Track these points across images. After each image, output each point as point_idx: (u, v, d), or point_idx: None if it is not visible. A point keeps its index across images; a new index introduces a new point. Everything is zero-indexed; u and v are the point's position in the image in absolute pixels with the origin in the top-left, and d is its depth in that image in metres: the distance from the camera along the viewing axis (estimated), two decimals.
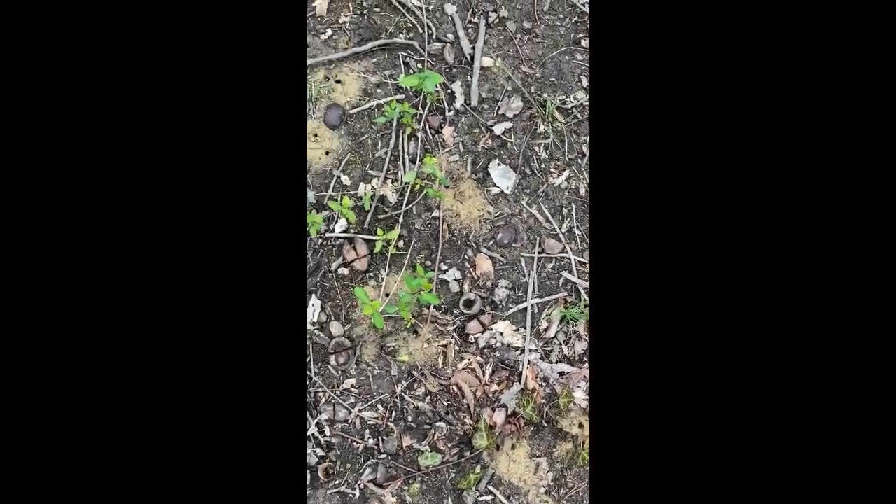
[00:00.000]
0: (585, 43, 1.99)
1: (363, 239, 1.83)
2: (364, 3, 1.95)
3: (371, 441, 1.75)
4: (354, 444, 1.75)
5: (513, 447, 1.77)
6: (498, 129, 1.93)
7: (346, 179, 1.86)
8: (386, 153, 1.88)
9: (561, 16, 2.01)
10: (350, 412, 1.76)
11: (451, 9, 1.97)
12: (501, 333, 1.83)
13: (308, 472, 1.72)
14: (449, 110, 1.92)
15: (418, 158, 1.88)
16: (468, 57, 1.95)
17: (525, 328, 1.83)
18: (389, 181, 1.88)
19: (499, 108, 1.94)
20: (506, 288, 1.85)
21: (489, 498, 1.74)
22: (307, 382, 1.77)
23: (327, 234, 1.83)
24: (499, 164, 1.91)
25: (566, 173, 1.92)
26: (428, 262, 1.84)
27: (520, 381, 1.80)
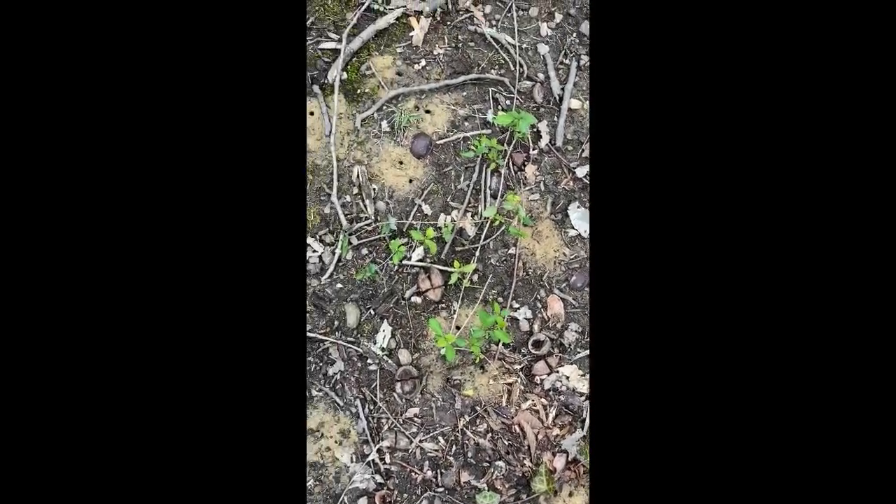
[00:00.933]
0: None
1: (439, 270, 1.84)
2: (459, 37, 1.98)
3: (430, 473, 1.75)
4: (413, 474, 1.75)
5: (570, 494, 1.75)
6: (580, 172, 1.93)
7: (427, 209, 1.88)
8: (468, 186, 1.89)
9: None
10: (411, 441, 1.76)
11: (543, 49, 1.99)
12: (567, 377, 1.82)
13: (366, 498, 1.72)
14: (533, 149, 1.93)
15: (500, 194, 1.89)
16: (557, 97, 1.96)
17: None
18: (469, 214, 1.89)
19: (582, 150, 1.94)
20: (575, 332, 1.84)
21: None
22: (372, 408, 1.77)
23: (403, 262, 1.84)
24: (578, 207, 1.91)
25: None
26: (500, 299, 1.84)
27: (582, 427, 1.79)
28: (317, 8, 1.94)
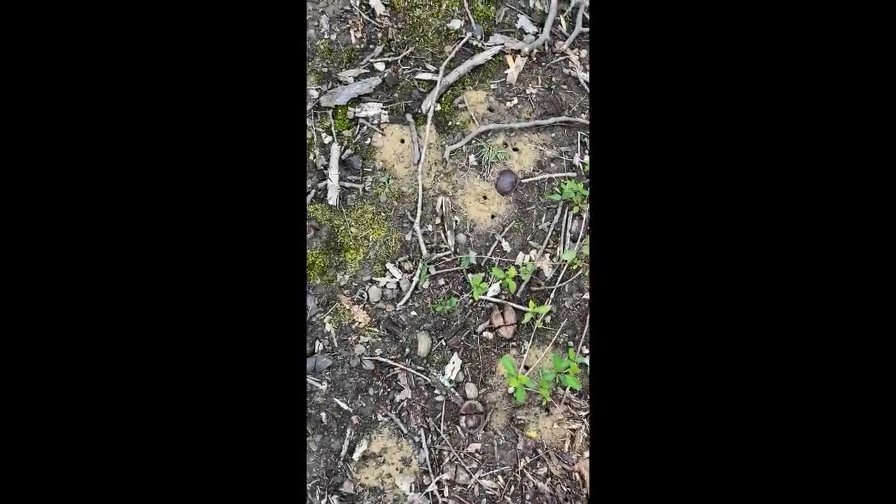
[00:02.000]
0: None
1: (514, 307, 1.84)
2: (553, 79, 2.00)
3: None
4: None
5: None
6: None
7: (506, 245, 1.89)
8: (549, 227, 1.90)
9: None
10: (471, 477, 1.76)
11: None
12: None
13: None
14: None
15: (580, 238, 1.89)
16: None
17: None
18: (548, 255, 1.89)
19: None
20: None
21: None
22: (435, 439, 1.78)
23: (479, 297, 1.85)
24: None
25: None
26: (570, 343, 1.84)
27: None
28: (417, 39, 1.98)
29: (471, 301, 1.86)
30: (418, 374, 1.81)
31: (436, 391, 1.80)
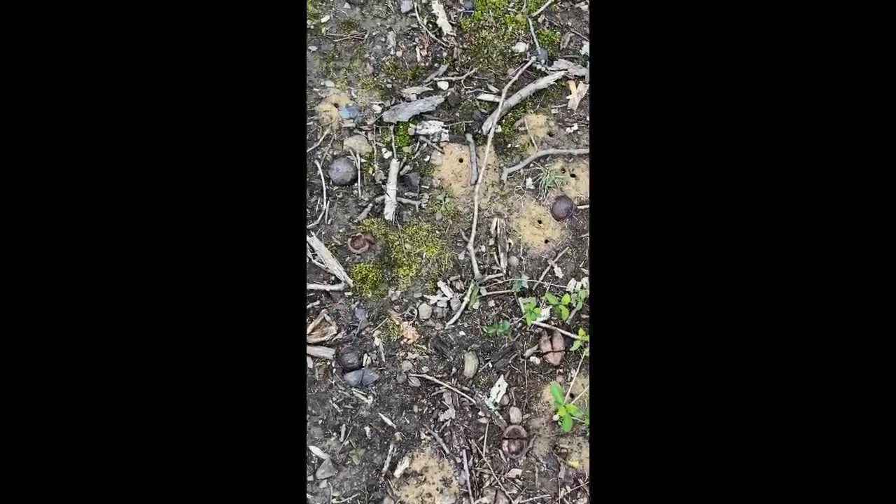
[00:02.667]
0: None
1: (562, 334, 1.83)
2: None
3: None
4: None
5: None
6: None
7: (558, 271, 1.88)
8: None
9: None
10: (511, 502, 1.75)
11: None
12: None
13: None
14: None
15: None
16: None
17: None
18: None
19: None
20: None
21: None
22: (476, 461, 1.77)
23: (532, 322, 1.84)
24: None
25: None
26: None
27: None
28: (481, 60, 1.99)
29: (520, 324, 1.85)
30: (463, 394, 1.80)
31: (480, 413, 1.80)
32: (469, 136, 1.94)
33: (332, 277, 1.84)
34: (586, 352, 1.82)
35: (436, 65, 1.99)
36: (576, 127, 1.98)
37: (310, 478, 1.72)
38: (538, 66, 1.99)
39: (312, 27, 1.97)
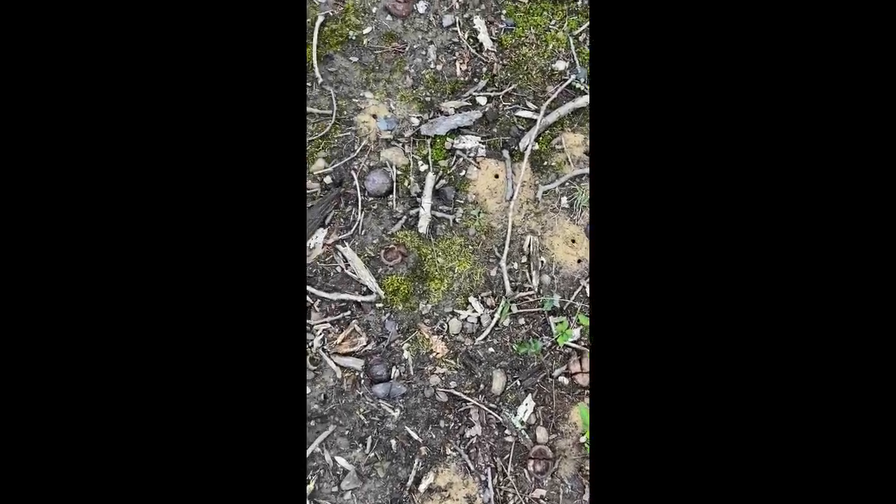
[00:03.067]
0: None
1: None
2: None
3: None
4: None
5: None
6: None
7: (590, 291, 1.87)
8: None
9: None
10: None
11: None
12: None
13: None
14: None
15: None
16: None
17: None
18: None
19: None
20: None
21: None
22: (501, 480, 1.76)
23: (564, 343, 1.83)
24: None
25: None
26: None
27: None
28: (521, 76, 1.99)
29: (550, 344, 1.84)
30: (490, 411, 1.80)
31: (506, 431, 1.79)
32: (505, 153, 1.94)
33: (364, 288, 1.84)
34: None
35: (475, 80, 1.99)
36: None
37: (334, 488, 1.72)
38: (577, 85, 1.99)
39: (354, 38, 1.98)
